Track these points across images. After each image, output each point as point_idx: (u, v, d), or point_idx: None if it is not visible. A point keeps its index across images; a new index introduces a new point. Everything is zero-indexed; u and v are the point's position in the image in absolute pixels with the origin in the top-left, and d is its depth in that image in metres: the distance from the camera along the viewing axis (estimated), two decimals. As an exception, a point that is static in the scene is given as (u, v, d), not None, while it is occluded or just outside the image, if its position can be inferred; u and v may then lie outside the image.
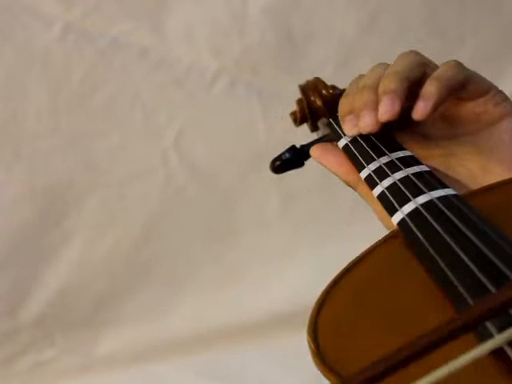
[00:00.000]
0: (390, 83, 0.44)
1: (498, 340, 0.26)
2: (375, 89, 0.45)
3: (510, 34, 1.22)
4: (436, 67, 0.46)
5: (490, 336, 0.27)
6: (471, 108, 0.47)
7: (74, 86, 1.18)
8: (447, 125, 0.48)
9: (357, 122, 0.45)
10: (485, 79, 0.46)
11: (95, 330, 1.28)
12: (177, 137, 1.22)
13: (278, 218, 1.24)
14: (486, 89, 0.46)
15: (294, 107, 0.60)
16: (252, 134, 1.22)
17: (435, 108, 0.43)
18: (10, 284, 1.25)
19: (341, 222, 1.21)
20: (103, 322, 1.27)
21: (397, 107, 0.43)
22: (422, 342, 0.25)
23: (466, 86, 0.45)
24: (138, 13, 1.17)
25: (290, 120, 0.61)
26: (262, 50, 1.18)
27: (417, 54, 0.47)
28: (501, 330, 0.27)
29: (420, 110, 0.43)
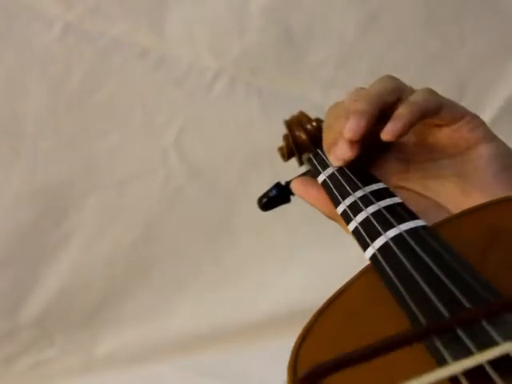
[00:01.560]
0: (359, 104, 0.45)
1: (450, 369, 0.28)
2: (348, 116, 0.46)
3: (510, 33, 1.22)
4: (412, 92, 0.47)
5: (439, 351, 0.30)
6: (447, 134, 0.47)
7: (74, 86, 1.18)
8: (426, 149, 0.49)
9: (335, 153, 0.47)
10: (459, 106, 0.47)
11: (95, 330, 1.28)
12: (177, 137, 1.22)
13: (277, 219, 1.24)
14: (460, 115, 0.47)
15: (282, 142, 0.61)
16: (252, 134, 1.22)
17: (404, 130, 0.44)
18: (10, 284, 1.25)
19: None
20: (103, 322, 1.27)
21: (362, 124, 0.44)
22: (366, 349, 0.27)
23: (439, 112, 0.46)
24: (138, 13, 1.17)
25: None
26: (262, 50, 1.18)
27: (394, 79, 0.48)
28: (446, 345, 0.30)
29: (387, 131, 0.43)
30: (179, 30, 1.17)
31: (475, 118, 0.47)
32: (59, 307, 1.26)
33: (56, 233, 1.23)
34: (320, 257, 1.22)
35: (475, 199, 0.44)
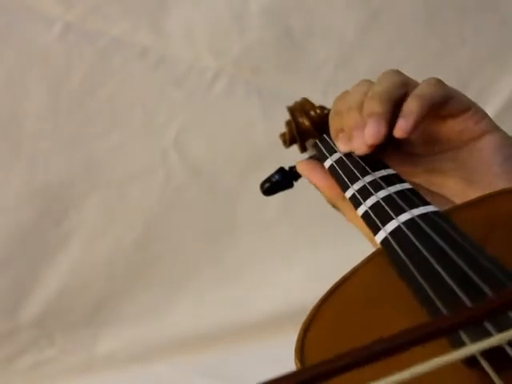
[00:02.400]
0: (373, 106, 0.45)
1: (469, 349, 0.26)
2: (360, 109, 0.46)
3: (510, 33, 1.22)
4: (417, 85, 0.47)
5: (463, 344, 0.28)
6: (452, 126, 0.47)
7: (74, 86, 1.18)
8: (429, 142, 0.49)
9: (348, 141, 0.47)
10: (465, 97, 0.48)
11: (95, 330, 1.28)
12: (177, 137, 1.22)
13: (277, 218, 1.24)
14: (467, 106, 0.47)
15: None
16: (252, 133, 1.22)
17: (416, 125, 0.43)
18: (10, 284, 1.25)
19: (340, 223, 1.21)
20: (103, 322, 1.27)
21: (382, 130, 0.44)
22: (382, 344, 0.25)
23: (446, 103, 0.46)
24: (138, 13, 1.17)
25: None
26: (262, 50, 1.18)
27: (399, 73, 0.48)
28: (474, 340, 0.27)
29: (401, 128, 0.43)
30: (179, 30, 1.17)
31: (480, 110, 0.48)
32: (59, 307, 1.26)
33: (56, 233, 1.23)
34: (320, 257, 1.22)
35: (479, 189, 0.44)
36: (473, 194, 0.44)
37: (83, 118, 1.20)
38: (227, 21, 1.18)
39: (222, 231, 1.27)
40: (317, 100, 1.25)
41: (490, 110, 1.21)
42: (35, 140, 1.20)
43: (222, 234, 1.27)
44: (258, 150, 1.19)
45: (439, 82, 0.46)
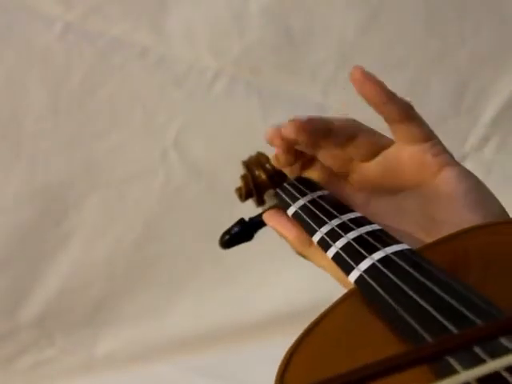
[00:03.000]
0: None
1: (463, 375, 0.26)
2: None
3: (510, 34, 1.22)
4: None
5: (454, 371, 0.28)
6: (411, 155, 0.47)
7: (74, 86, 1.18)
8: (390, 180, 0.49)
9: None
10: (428, 128, 0.48)
11: (95, 330, 1.28)
12: (177, 137, 1.22)
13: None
14: (428, 136, 0.47)
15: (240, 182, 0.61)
16: (252, 133, 1.21)
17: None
18: (10, 284, 1.25)
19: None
20: (103, 322, 1.27)
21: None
22: (365, 370, 0.25)
23: (408, 118, 0.47)
24: (138, 13, 1.17)
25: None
26: (262, 50, 1.18)
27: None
28: (466, 367, 0.27)
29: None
30: (179, 29, 1.17)
31: (440, 144, 0.47)
32: (59, 307, 1.26)
33: (56, 233, 1.23)
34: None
35: (445, 224, 0.44)
36: (441, 229, 0.43)
37: (83, 117, 1.20)
38: (227, 21, 1.18)
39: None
40: (316, 100, 1.25)
41: (490, 110, 1.21)
42: (35, 140, 1.20)
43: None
44: (258, 149, 1.19)
45: (407, 105, 0.49)
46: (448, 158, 0.47)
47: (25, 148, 1.20)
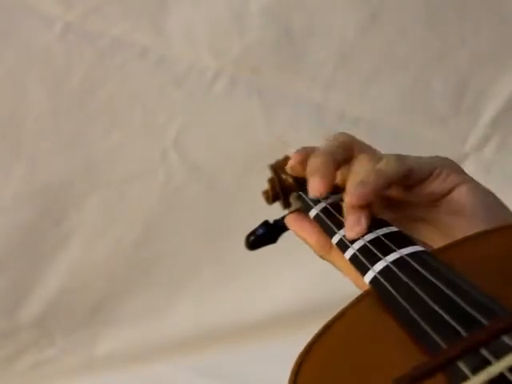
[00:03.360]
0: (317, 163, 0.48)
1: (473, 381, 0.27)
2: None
3: (510, 34, 1.22)
4: (363, 148, 0.50)
5: (465, 377, 0.28)
6: (419, 191, 0.48)
7: (74, 86, 1.18)
8: (401, 202, 0.50)
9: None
10: (427, 162, 0.47)
11: (95, 330, 1.28)
12: (177, 137, 1.22)
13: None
14: (429, 172, 0.47)
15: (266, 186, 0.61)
16: (252, 133, 1.22)
17: (370, 195, 0.44)
18: (10, 284, 1.25)
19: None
20: (103, 322, 1.27)
21: (322, 187, 0.46)
22: None
23: (407, 178, 0.46)
24: (138, 13, 1.17)
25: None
26: (262, 50, 1.18)
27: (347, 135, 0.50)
28: (474, 370, 0.28)
29: (354, 193, 0.44)
30: (179, 30, 1.17)
31: (444, 166, 0.47)
32: (59, 307, 1.26)
33: (56, 233, 1.23)
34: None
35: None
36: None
37: (83, 117, 1.20)
38: (227, 21, 1.18)
39: (222, 231, 1.27)
40: (317, 100, 1.25)
41: (490, 110, 1.21)
42: (35, 140, 1.20)
43: (222, 234, 1.27)
44: (258, 149, 1.19)
45: (399, 157, 0.47)
46: (455, 179, 0.47)
47: (25, 148, 1.20)
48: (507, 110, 1.22)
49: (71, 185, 1.22)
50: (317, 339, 0.35)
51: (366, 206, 0.44)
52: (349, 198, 0.44)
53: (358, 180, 0.44)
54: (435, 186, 0.47)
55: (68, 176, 1.22)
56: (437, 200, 0.48)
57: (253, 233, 0.58)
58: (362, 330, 0.36)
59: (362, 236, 0.43)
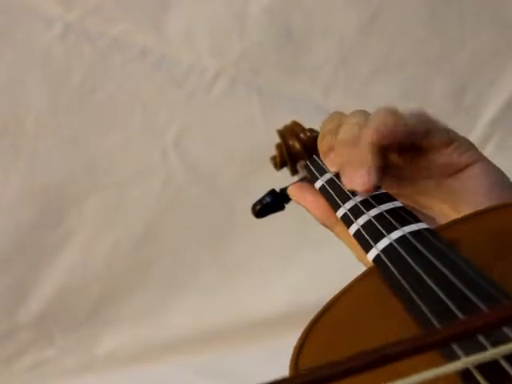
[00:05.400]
0: (365, 155, 0.45)
1: (463, 362, 0.27)
2: (353, 145, 0.46)
3: (510, 34, 1.22)
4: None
5: (457, 358, 0.28)
6: (435, 159, 0.47)
7: (74, 86, 1.18)
8: (416, 170, 0.49)
9: (341, 173, 0.46)
10: (450, 130, 0.47)
11: (95, 330, 1.28)
12: (177, 137, 1.22)
13: (277, 218, 1.24)
14: (449, 140, 0.47)
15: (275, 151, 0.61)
16: (252, 133, 1.22)
17: (386, 138, 0.44)
18: (10, 284, 1.25)
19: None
20: (103, 322, 1.27)
21: (372, 179, 0.44)
22: (373, 355, 0.25)
23: (428, 135, 0.46)
24: (138, 13, 1.17)
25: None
26: (262, 50, 1.18)
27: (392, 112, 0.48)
28: (468, 353, 0.28)
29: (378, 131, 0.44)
30: (179, 30, 1.17)
31: (464, 141, 0.47)
32: (59, 307, 1.26)
33: (56, 233, 1.23)
34: (320, 257, 1.22)
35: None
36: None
37: (83, 118, 1.20)
38: (227, 21, 1.18)
39: (222, 231, 1.27)
40: (317, 100, 1.25)
41: (490, 111, 1.21)
42: (35, 140, 1.20)
43: (222, 234, 1.27)
44: (258, 149, 1.19)
45: (423, 114, 0.47)
46: (473, 155, 0.47)
47: (25, 148, 1.20)
48: (507, 110, 1.22)
49: (71, 185, 1.22)
50: (321, 315, 0.36)
51: (380, 156, 0.44)
52: (367, 134, 0.44)
53: (379, 120, 0.44)
54: (453, 157, 0.47)
55: (68, 176, 1.22)
56: (451, 174, 0.47)
57: (259, 201, 0.57)
58: (364, 308, 0.37)
59: (367, 211, 0.43)
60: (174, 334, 1.27)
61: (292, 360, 0.34)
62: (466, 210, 0.45)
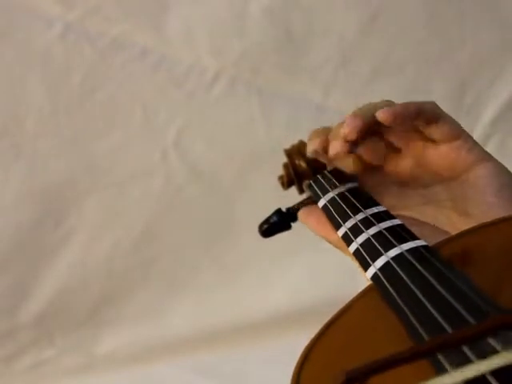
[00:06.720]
0: (350, 115, 0.47)
1: (452, 375, 0.27)
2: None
3: (510, 34, 1.22)
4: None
5: (444, 370, 0.29)
6: (445, 153, 0.47)
7: (74, 86, 1.18)
8: (422, 173, 0.49)
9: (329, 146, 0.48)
10: (457, 123, 0.47)
11: (95, 330, 1.28)
12: (177, 137, 1.22)
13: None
14: (458, 133, 0.47)
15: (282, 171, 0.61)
16: (252, 133, 1.22)
17: (399, 116, 0.45)
18: (10, 284, 1.25)
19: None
20: (103, 322, 1.28)
21: (358, 122, 0.46)
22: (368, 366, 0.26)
23: (437, 120, 0.46)
24: (138, 13, 1.17)
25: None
26: (262, 50, 1.18)
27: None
28: (455, 366, 0.29)
29: (385, 111, 0.46)
30: (179, 30, 1.17)
31: (470, 137, 0.47)
32: (59, 307, 1.26)
33: (56, 233, 1.23)
34: (320, 257, 1.22)
35: (476, 220, 0.44)
36: (468, 223, 0.44)
37: (83, 117, 1.20)
38: (227, 21, 1.18)
39: (222, 231, 1.27)
40: (317, 100, 1.25)
41: (490, 111, 1.21)
42: (35, 140, 1.20)
43: (221, 234, 1.27)
44: (258, 150, 1.19)
45: (433, 102, 0.47)
46: (481, 153, 0.47)
47: (25, 148, 1.20)
48: (507, 110, 1.22)
49: (71, 185, 1.22)
50: (324, 330, 0.36)
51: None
52: (378, 113, 0.45)
53: (383, 103, 0.46)
54: (460, 153, 0.47)
55: (68, 176, 1.22)
56: (459, 174, 0.47)
57: (266, 221, 0.59)
58: (363, 326, 0.37)
59: (366, 229, 0.44)
60: (173, 334, 1.27)
61: (293, 377, 0.34)
62: (475, 212, 0.45)
